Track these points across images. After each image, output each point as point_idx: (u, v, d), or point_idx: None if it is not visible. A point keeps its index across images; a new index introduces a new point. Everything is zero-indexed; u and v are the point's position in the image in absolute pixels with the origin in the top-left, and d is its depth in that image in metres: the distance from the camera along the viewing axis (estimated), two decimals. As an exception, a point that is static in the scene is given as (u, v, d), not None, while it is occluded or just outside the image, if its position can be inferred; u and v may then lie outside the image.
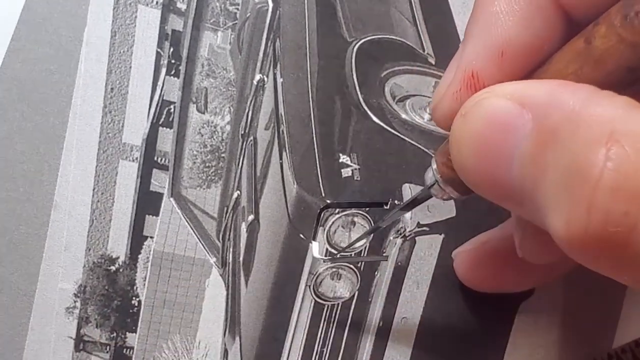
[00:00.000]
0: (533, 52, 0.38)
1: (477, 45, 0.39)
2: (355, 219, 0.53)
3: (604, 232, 0.32)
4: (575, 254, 0.34)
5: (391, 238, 0.53)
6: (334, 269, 0.51)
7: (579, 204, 0.33)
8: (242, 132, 0.53)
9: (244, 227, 0.52)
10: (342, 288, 0.52)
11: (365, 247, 0.52)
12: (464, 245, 0.54)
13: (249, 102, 0.53)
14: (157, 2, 0.51)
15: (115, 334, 0.49)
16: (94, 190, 0.48)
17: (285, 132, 0.52)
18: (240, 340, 0.51)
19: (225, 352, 0.52)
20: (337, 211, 0.51)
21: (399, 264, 0.53)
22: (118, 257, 0.49)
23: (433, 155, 0.43)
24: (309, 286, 0.51)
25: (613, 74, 0.35)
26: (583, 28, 0.37)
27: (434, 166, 0.42)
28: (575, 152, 0.33)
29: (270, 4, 0.55)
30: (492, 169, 0.38)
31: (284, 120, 0.53)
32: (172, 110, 0.51)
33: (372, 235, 0.53)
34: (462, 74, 0.39)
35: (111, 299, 0.49)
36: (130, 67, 0.50)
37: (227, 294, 0.52)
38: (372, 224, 0.53)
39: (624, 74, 0.35)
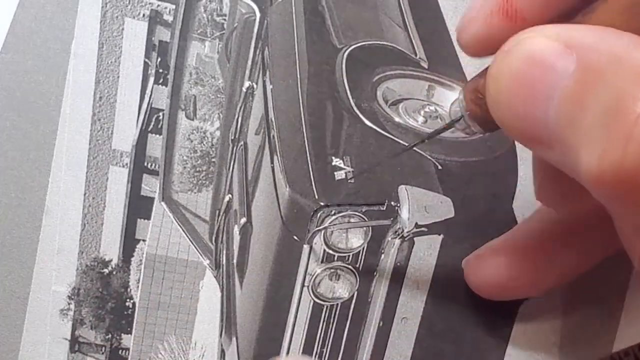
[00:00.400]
0: None
1: None
2: (352, 220, 0.55)
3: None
4: (604, 190, 0.35)
5: (389, 239, 0.56)
6: (332, 270, 0.54)
7: (616, 138, 0.34)
8: (232, 138, 0.56)
9: (236, 229, 0.55)
10: (341, 288, 0.55)
11: (363, 248, 0.55)
12: (475, 252, 0.56)
13: (238, 109, 0.56)
14: (143, 15, 0.55)
15: (110, 335, 0.52)
16: (84, 195, 0.52)
17: (276, 137, 0.55)
18: (237, 341, 0.54)
19: (222, 353, 0.54)
20: (333, 212, 0.54)
21: (398, 264, 0.56)
22: (111, 260, 0.53)
23: (461, 88, 0.44)
24: (308, 287, 0.54)
25: None
26: None
27: (462, 100, 0.44)
28: (617, 90, 0.35)
29: (258, 14, 0.59)
30: (529, 106, 0.39)
31: (274, 126, 0.56)
32: (160, 117, 0.55)
33: (369, 236, 0.55)
34: (497, 1, 0.40)
35: (105, 301, 0.53)
36: (118, 77, 0.54)
37: (222, 295, 0.55)
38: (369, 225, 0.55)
39: None
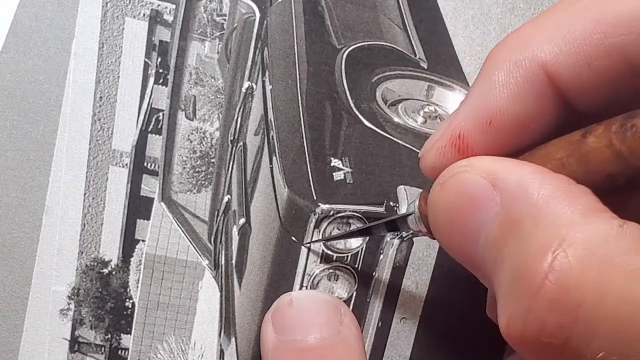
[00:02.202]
0: (520, 127, 0.41)
1: (469, 108, 0.43)
2: (351, 221, 0.55)
3: (539, 340, 0.35)
4: (515, 348, 0.37)
5: (388, 239, 0.56)
6: (331, 270, 0.54)
7: (519, 307, 0.36)
8: (232, 138, 0.56)
9: (235, 230, 0.55)
10: (340, 289, 0.55)
11: (362, 249, 0.55)
12: None
13: (237, 109, 0.57)
14: (144, 15, 0.56)
15: (110, 335, 0.53)
16: (84, 195, 0.52)
17: (275, 137, 0.56)
18: (236, 341, 0.54)
19: (221, 353, 0.55)
20: (331, 213, 0.54)
21: (397, 264, 0.56)
22: (110, 260, 0.53)
23: (421, 191, 0.47)
24: (306, 287, 0.54)
25: (593, 174, 0.38)
26: (589, 118, 0.40)
27: (417, 201, 0.47)
28: (527, 252, 0.36)
29: (257, 14, 0.59)
30: (461, 239, 0.42)
31: (273, 126, 0.56)
32: (160, 117, 0.55)
33: (368, 237, 0.55)
34: (450, 133, 0.43)
35: (105, 301, 0.53)
36: (119, 77, 0.54)
37: (221, 296, 0.55)
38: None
39: (603, 178, 0.38)
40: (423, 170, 0.45)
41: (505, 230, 0.38)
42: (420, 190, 0.55)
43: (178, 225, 0.55)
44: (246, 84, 0.58)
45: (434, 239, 0.45)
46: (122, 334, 0.53)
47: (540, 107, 0.41)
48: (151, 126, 0.55)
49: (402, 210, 0.56)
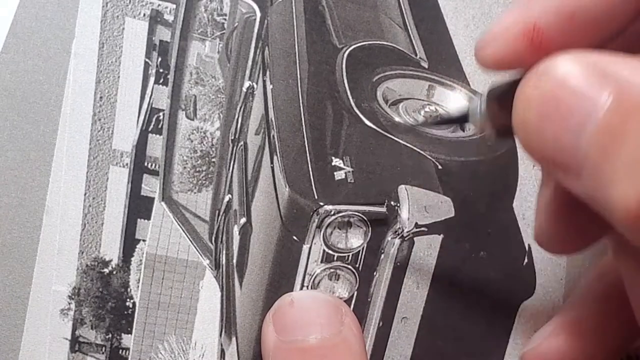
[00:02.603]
0: (605, 23, 0.39)
1: (542, 1, 0.40)
2: (352, 220, 0.56)
3: None
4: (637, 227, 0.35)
5: (389, 239, 0.56)
6: (332, 270, 0.54)
7: None
8: (232, 138, 0.57)
9: (236, 229, 0.55)
10: (341, 288, 0.55)
11: (363, 248, 0.55)
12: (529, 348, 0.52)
13: (238, 109, 0.57)
14: (144, 14, 0.56)
15: (110, 335, 0.53)
16: (85, 195, 0.53)
17: (275, 137, 0.56)
18: (236, 341, 0.54)
19: (222, 353, 0.55)
20: (332, 212, 0.54)
21: (398, 264, 0.56)
22: (111, 260, 0.53)
23: (486, 90, 0.44)
24: (307, 287, 0.54)
25: None
26: None
27: (483, 105, 0.43)
28: None
29: (258, 14, 0.59)
30: (559, 133, 0.39)
31: (274, 126, 0.56)
32: (161, 117, 0.55)
33: (369, 236, 0.55)
34: (523, 23, 0.40)
35: (105, 301, 0.53)
36: (119, 77, 0.54)
37: (222, 295, 0.56)
38: (369, 225, 0.55)
39: None
40: (481, 60, 0.42)
41: (624, 114, 0.36)
42: (422, 189, 0.56)
43: (179, 224, 0.55)
44: (247, 84, 0.58)
45: (503, 139, 0.43)
46: (122, 334, 0.53)
47: (624, 4, 0.39)
48: (152, 126, 0.55)
49: (404, 210, 0.56)
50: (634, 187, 0.34)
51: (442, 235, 0.57)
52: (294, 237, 0.55)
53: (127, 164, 0.54)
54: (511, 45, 0.40)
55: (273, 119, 0.57)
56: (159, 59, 0.57)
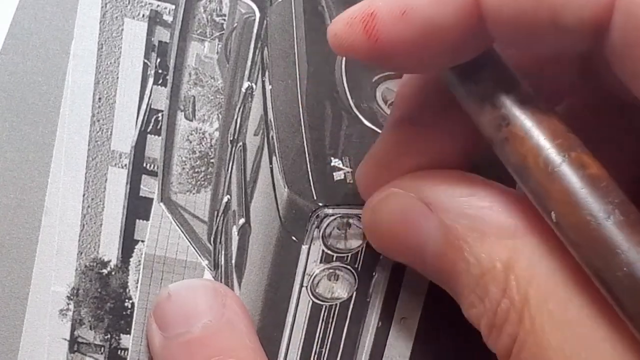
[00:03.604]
0: (432, 31, 0.39)
1: None
2: (351, 221, 0.56)
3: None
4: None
5: (387, 239, 0.56)
6: (331, 270, 0.54)
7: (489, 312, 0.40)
8: (231, 138, 0.57)
9: (235, 230, 0.56)
10: (340, 289, 0.55)
11: (362, 248, 0.55)
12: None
13: (237, 109, 0.57)
14: (143, 15, 0.56)
15: (109, 336, 0.53)
16: (84, 196, 0.53)
17: (274, 137, 0.56)
18: (235, 342, 0.54)
19: (221, 353, 0.55)
20: (331, 213, 0.55)
21: (397, 264, 0.56)
22: (110, 261, 0.53)
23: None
24: (306, 287, 0.54)
25: None
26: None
27: None
28: (479, 263, 0.40)
29: (257, 14, 0.59)
30: (406, 258, 0.46)
31: (273, 126, 0.56)
32: (160, 118, 0.55)
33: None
34: (365, 7, 0.40)
35: (104, 302, 0.53)
36: (118, 78, 0.54)
37: (221, 296, 0.55)
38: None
39: None
40: (328, 33, 0.43)
41: (451, 244, 0.40)
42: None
43: (177, 225, 0.55)
44: (246, 84, 0.58)
45: None
46: (121, 334, 0.54)
47: (459, 20, 0.39)
48: (150, 127, 0.56)
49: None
50: (475, 305, 0.40)
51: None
52: (293, 238, 0.55)
53: (125, 165, 0.54)
54: (349, 25, 0.41)
55: (272, 119, 0.57)
56: (158, 60, 0.57)
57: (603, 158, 0.38)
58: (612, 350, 0.36)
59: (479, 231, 0.40)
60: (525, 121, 0.38)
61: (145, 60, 0.56)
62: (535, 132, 0.38)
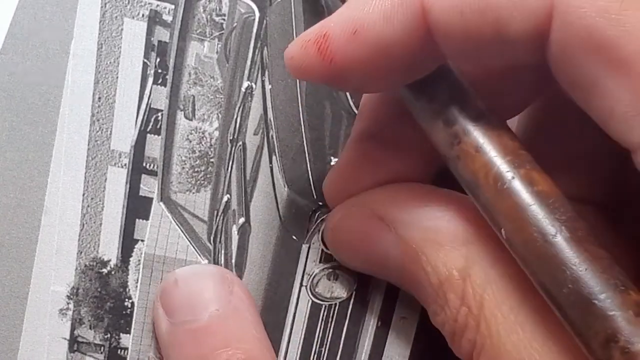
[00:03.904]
0: (384, 48, 0.40)
1: (343, 11, 0.42)
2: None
3: None
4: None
5: (387, 238, 0.56)
6: (330, 269, 0.55)
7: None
8: (231, 138, 0.57)
9: (234, 229, 0.56)
10: (340, 288, 0.55)
11: (361, 248, 0.55)
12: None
13: (237, 109, 0.57)
14: (142, 15, 0.56)
15: (109, 335, 0.53)
16: (83, 195, 0.53)
17: (274, 136, 0.56)
18: (235, 341, 0.54)
19: (220, 352, 0.55)
20: (331, 212, 0.55)
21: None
22: (109, 260, 0.53)
23: None
24: (306, 286, 0.54)
25: None
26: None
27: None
28: (438, 273, 0.42)
29: (257, 14, 0.59)
30: (370, 268, 0.49)
31: (272, 126, 0.57)
32: (159, 117, 0.55)
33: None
34: (318, 29, 0.42)
35: (104, 301, 0.53)
36: (117, 77, 0.55)
37: (221, 295, 0.56)
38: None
39: None
40: (284, 57, 0.45)
41: (409, 256, 0.41)
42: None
43: (177, 225, 0.55)
44: (245, 84, 0.58)
45: None
46: (121, 334, 0.54)
47: (408, 37, 0.39)
48: (150, 126, 0.56)
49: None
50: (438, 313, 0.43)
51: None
52: (293, 237, 0.55)
53: (125, 165, 0.54)
54: (304, 47, 0.43)
55: (272, 119, 0.57)
56: (158, 60, 0.57)
57: (563, 165, 0.39)
58: (563, 354, 0.37)
59: (434, 241, 0.41)
60: (476, 138, 0.39)
61: (145, 60, 0.56)
62: (486, 149, 0.38)
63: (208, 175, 0.57)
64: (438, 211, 0.42)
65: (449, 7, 0.38)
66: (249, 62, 0.59)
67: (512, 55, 0.39)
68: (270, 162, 0.56)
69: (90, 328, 0.53)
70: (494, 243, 0.40)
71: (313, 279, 0.55)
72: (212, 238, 0.56)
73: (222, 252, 0.56)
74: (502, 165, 0.38)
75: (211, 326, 0.48)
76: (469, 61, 0.42)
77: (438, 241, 0.41)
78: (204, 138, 0.57)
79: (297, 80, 0.59)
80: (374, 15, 0.40)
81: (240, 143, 0.57)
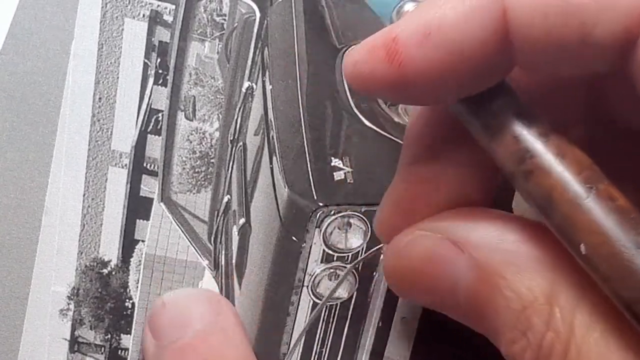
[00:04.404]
0: (457, 53, 0.38)
1: (415, 14, 0.40)
2: (351, 220, 0.56)
3: None
4: None
5: (388, 239, 0.56)
6: (331, 270, 0.54)
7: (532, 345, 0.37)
8: (231, 138, 0.57)
9: (235, 230, 0.56)
10: (341, 289, 0.55)
11: (363, 248, 0.55)
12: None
13: (237, 109, 0.57)
14: (143, 15, 0.56)
15: (109, 336, 0.53)
16: (84, 196, 0.53)
17: (275, 137, 0.56)
18: (235, 341, 0.54)
19: (221, 353, 0.55)
20: (332, 212, 0.55)
21: (397, 264, 0.56)
22: (110, 261, 0.53)
23: None
24: (307, 287, 0.54)
25: None
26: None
27: None
28: (519, 299, 0.37)
29: (258, 14, 0.59)
30: (436, 299, 0.42)
31: (273, 126, 0.57)
32: (160, 118, 0.55)
33: (369, 236, 0.56)
34: (387, 33, 0.40)
35: (105, 301, 0.53)
36: (118, 78, 0.55)
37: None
38: (369, 225, 0.56)
39: None
40: (344, 65, 0.42)
41: (485, 281, 0.39)
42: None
43: (178, 225, 0.55)
44: (246, 84, 0.58)
45: None
46: (122, 334, 0.54)
47: (485, 40, 0.38)
48: (150, 127, 0.56)
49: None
50: (517, 340, 0.37)
51: (441, 235, 0.57)
52: (293, 238, 0.55)
53: (126, 165, 0.54)
54: (370, 52, 0.40)
55: (272, 119, 0.57)
56: (158, 60, 0.57)
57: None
58: None
59: (516, 265, 0.39)
60: (548, 154, 0.38)
61: (146, 60, 0.56)
62: (560, 164, 0.38)
63: (208, 176, 0.57)
64: (516, 234, 0.41)
65: (532, 8, 0.37)
66: (249, 63, 0.59)
67: (590, 62, 0.38)
68: (271, 162, 0.56)
69: (90, 328, 0.53)
70: (576, 267, 0.39)
71: (314, 279, 0.55)
72: (212, 238, 0.56)
73: (223, 252, 0.56)
74: (580, 180, 0.37)
75: (197, 344, 0.48)
76: (540, 69, 0.41)
77: (520, 265, 0.40)
78: (205, 138, 0.57)
79: (298, 81, 0.58)
80: (449, 17, 0.39)
81: (241, 143, 0.57)
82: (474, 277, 0.40)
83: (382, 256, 0.56)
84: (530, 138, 0.38)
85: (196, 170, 0.56)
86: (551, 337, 0.38)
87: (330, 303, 0.56)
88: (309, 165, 0.55)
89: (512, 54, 0.38)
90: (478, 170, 0.45)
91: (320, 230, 0.55)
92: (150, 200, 0.55)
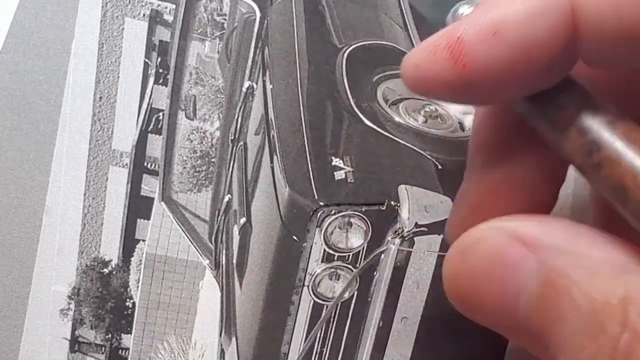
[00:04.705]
0: (526, 51, 0.39)
1: (479, 13, 0.40)
2: (352, 220, 0.56)
3: None
4: None
5: (389, 238, 0.56)
6: (332, 269, 0.54)
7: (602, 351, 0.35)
8: (232, 138, 0.57)
9: (236, 229, 0.56)
10: (341, 288, 0.55)
11: (363, 248, 0.55)
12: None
13: (238, 109, 0.57)
14: (143, 15, 0.56)
15: (110, 335, 0.53)
16: (84, 195, 0.53)
17: (275, 137, 0.56)
18: (236, 341, 0.55)
19: (222, 352, 0.55)
20: (333, 212, 0.55)
21: (398, 264, 0.56)
22: (111, 260, 0.53)
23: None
24: (308, 286, 0.54)
25: None
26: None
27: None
28: (591, 303, 0.37)
29: (258, 14, 0.59)
30: (496, 306, 0.40)
31: (274, 126, 0.56)
32: (160, 117, 0.55)
33: (369, 236, 0.55)
34: (449, 33, 0.39)
35: (105, 301, 0.53)
36: (118, 77, 0.55)
37: (222, 295, 0.56)
38: (369, 225, 0.56)
39: None
40: (403, 68, 0.42)
41: (553, 285, 0.38)
42: (422, 189, 0.56)
43: (178, 224, 0.55)
44: (247, 84, 0.58)
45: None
46: (122, 334, 0.54)
47: (553, 39, 0.38)
48: (151, 126, 0.56)
49: (404, 209, 0.56)
50: (587, 345, 0.35)
51: (442, 235, 0.57)
52: (294, 237, 0.55)
53: (126, 164, 0.54)
54: (433, 53, 0.39)
55: (273, 118, 0.57)
56: (159, 59, 0.57)
57: None
58: None
59: (588, 269, 0.38)
60: (616, 143, 0.38)
61: (146, 60, 0.56)
62: (630, 152, 0.37)
63: (209, 175, 0.56)
64: (588, 238, 0.40)
65: (604, 7, 0.36)
66: (250, 62, 0.59)
67: None
68: (272, 162, 0.56)
69: (91, 328, 0.53)
70: None
71: (315, 278, 0.55)
72: (213, 238, 0.56)
73: (224, 252, 0.56)
74: None
75: None
76: (611, 62, 0.40)
77: (592, 269, 0.39)
78: (205, 138, 0.57)
79: (298, 80, 0.58)
80: (517, 15, 0.38)
81: (242, 143, 0.57)
82: (540, 282, 0.39)
83: (382, 256, 0.56)
84: (596, 129, 0.38)
85: (197, 169, 0.56)
86: (627, 339, 0.37)
87: (331, 303, 0.56)
88: (309, 165, 0.55)
89: (579, 49, 0.38)
90: (546, 171, 0.44)
91: (321, 230, 0.54)
92: (151, 199, 0.55)
